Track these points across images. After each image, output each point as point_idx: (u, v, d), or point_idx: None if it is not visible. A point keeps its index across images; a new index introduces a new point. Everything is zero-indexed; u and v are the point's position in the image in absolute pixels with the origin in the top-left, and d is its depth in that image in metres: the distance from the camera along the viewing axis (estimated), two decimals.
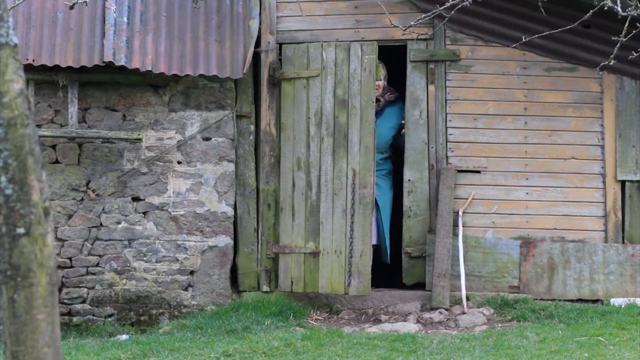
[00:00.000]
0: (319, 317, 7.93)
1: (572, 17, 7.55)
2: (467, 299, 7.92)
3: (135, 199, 8.27)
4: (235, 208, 8.28)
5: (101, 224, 8.25)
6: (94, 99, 8.29)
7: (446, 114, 8.20)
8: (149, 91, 8.30)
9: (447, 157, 8.18)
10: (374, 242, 8.28)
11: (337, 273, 8.00)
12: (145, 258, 8.23)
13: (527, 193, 8.16)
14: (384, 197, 8.39)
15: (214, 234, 8.24)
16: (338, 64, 8.03)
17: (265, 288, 8.22)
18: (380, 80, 8.33)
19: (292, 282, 8.13)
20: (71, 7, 7.04)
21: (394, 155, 8.59)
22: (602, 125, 8.15)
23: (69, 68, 8.06)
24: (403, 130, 8.29)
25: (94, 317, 8.22)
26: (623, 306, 7.75)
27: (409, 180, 8.23)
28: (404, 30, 7.50)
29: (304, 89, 8.14)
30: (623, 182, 8.13)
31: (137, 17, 8.21)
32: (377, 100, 8.18)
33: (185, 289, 8.24)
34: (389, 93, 8.49)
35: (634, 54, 7.29)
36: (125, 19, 8.15)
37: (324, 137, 8.08)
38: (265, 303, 7.92)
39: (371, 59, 7.97)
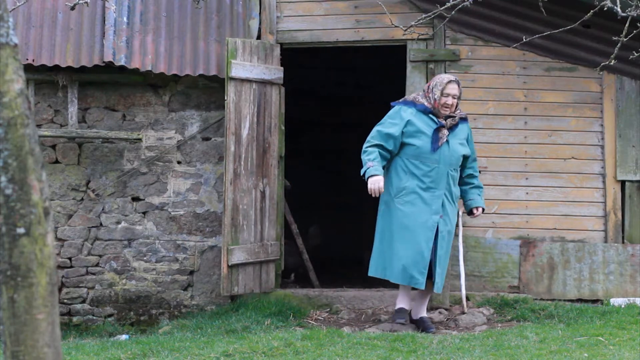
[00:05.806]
0: (319, 317, 7.93)
1: (572, 17, 7.54)
2: (467, 299, 7.91)
3: (135, 198, 8.27)
4: None
5: (101, 224, 8.25)
6: (94, 99, 8.29)
7: None
8: (149, 91, 8.30)
9: None
10: None
11: None
12: (145, 258, 8.23)
13: (527, 193, 8.16)
14: (446, 227, 7.27)
15: (213, 234, 8.24)
16: None
17: None
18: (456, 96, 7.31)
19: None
20: (72, 8, 7.03)
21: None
22: (602, 125, 8.15)
23: (69, 68, 8.06)
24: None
25: (94, 317, 8.22)
26: (623, 306, 7.74)
27: None
28: (404, 30, 7.49)
29: None
30: (623, 182, 8.13)
31: (137, 17, 8.21)
32: (452, 116, 7.30)
33: (185, 289, 8.24)
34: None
35: (634, 54, 7.29)
36: (125, 19, 8.15)
37: None
38: (265, 303, 7.92)
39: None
